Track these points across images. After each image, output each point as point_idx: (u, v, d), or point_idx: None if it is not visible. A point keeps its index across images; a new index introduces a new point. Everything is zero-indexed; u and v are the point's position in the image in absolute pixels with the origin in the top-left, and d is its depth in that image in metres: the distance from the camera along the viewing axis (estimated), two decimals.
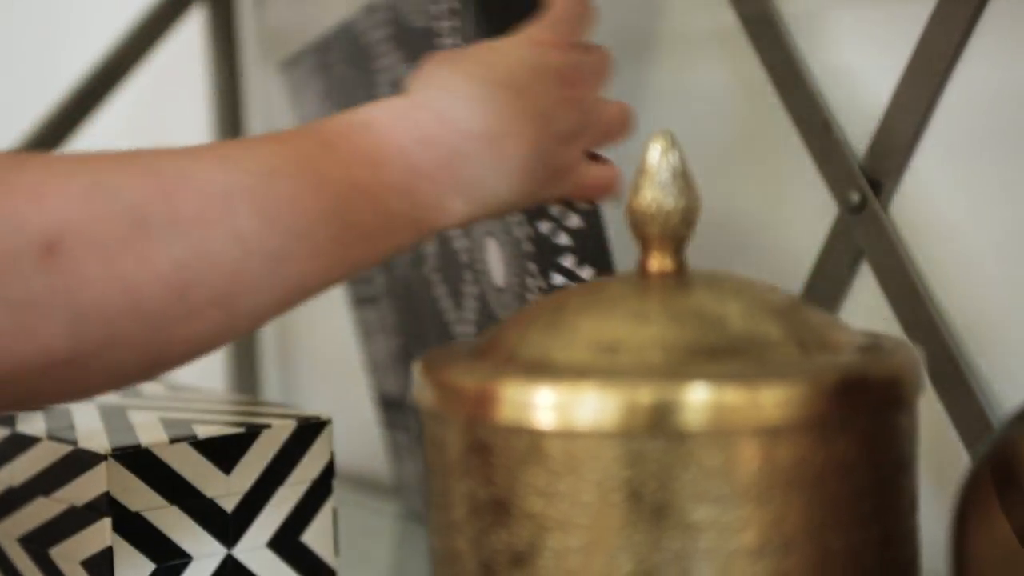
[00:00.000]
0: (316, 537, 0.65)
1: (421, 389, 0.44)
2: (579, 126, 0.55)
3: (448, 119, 0.51)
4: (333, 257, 0.47)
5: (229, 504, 0.63)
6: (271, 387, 1.12)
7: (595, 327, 0.42)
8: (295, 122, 0.88)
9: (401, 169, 0.49)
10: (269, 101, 1.14)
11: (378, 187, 0.48)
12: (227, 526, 0.63)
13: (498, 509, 0.41)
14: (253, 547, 0.64)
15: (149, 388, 0.74)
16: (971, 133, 0.68)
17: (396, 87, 0.70)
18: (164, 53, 1.13)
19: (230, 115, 1.13)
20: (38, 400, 0.47)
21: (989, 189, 0.67)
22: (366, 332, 0.85)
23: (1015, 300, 0.66)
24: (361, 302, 0.84)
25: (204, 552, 0.62)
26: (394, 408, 0.83)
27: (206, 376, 1.10)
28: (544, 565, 0.40)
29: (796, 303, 0.44)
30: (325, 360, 1.06)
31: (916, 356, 0.42)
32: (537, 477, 0.40)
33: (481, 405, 0.41)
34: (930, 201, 0.69)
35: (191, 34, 1.15)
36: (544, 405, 0.40)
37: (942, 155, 0.68)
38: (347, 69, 0.76)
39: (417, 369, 0.44)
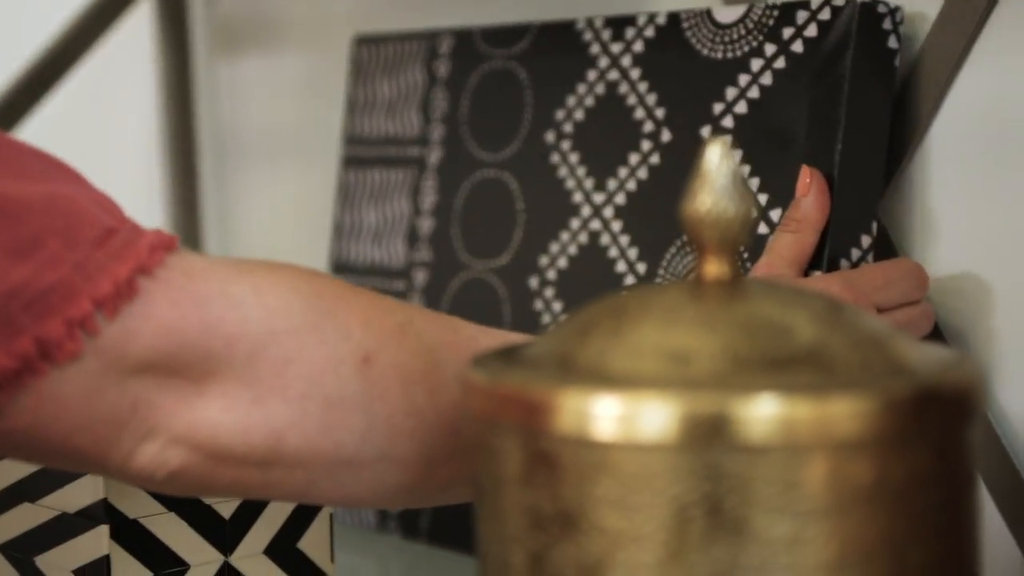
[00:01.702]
0: (312, 544, 0.64)
1: (474, 395, 0.43)
2: None
3: None
4: None
5: (227, 510, 0.61)
6: None
7: (659, 335, 0.41)
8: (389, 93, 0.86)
9: None
10: (218, 91, 1.11)
11: None
12: (225, 533, 0.61)
13: (564, 522, 0.40)
14: (250, 554, 0.62)
15: None
16: (970, 141, 0.68)
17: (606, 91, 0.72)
18: (112, 41, 1.10)
19: (178, 104, 1.10)
20: (314, 495, 0.51)
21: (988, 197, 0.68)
22: None
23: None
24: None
25: (202, 560, 0.60)
26: None
27: None
28: None
29: (854, 312, 0.43)
30: None
31: (982, 368, 0.41)
32: (608, 490, 0.39)
33: (544, 415, 0.40)
34: (926, 206, 0.69)
35: (140, 21, 1.12)
36: (616, 416, 0.39)
37: (941, 163, 0.69)
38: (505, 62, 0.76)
39: (470, 374, 0.43)
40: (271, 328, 0.47)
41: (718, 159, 0.43)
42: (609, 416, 0.39)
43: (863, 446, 0.39)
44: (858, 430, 0.39)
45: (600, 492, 0.39)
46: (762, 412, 0.39)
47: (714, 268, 0.43)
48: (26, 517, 0.61)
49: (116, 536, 0.58)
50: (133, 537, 0.58)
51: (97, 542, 0.58)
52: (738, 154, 0.69)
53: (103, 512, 0.58)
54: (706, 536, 0.38)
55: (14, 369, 0.44)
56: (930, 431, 0.40)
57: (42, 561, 0.60)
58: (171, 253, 0.47)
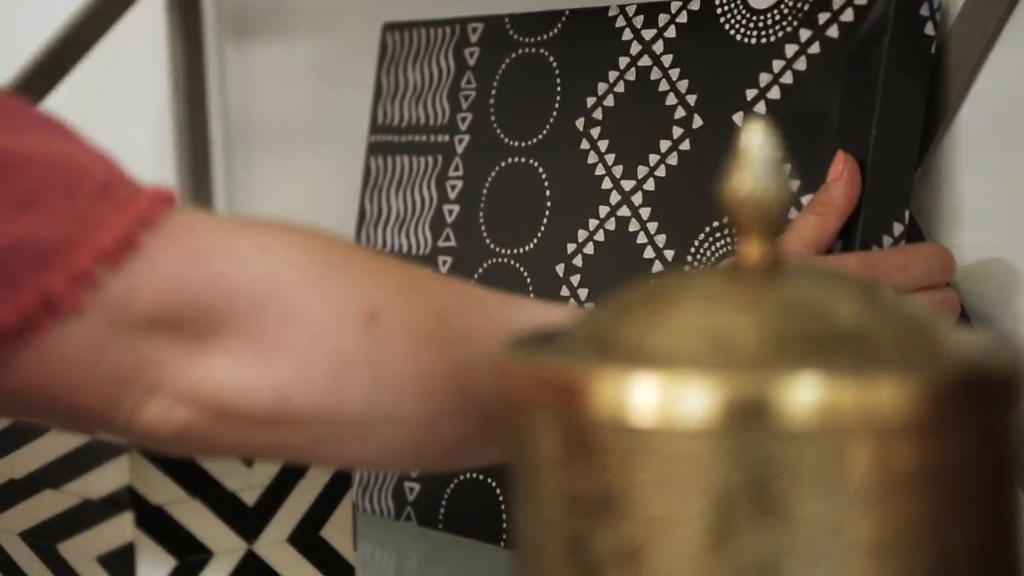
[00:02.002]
0: (335, 532, 0.63)
1: (510, 378, 0.42)
2: None
3: None
4: None
5: (251, 498, 0.61)
6: None
7: (699, 317, 0.41)
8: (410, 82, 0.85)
9: None
10: (230, 78, 1.10)
11: None
12: (248, 520, 0.60)
13: (602, 509, 0.39)
14: (274, 542, 0.61)
15: None
16: (998, 125, 0.67)
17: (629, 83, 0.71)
18: (124, 27, 1.09)
19: (190, 91, 1.10)
20: (319, 455, 0.50)
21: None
22: None
23: None
24: None
25: (225, 547, 0.60)
26: None
27: None
28: (656, 567, 0.38)
29: (897, 295, 0.43)
30: None
31: None
32: (648, 474, 0.39)
33: (582, 397, 0.40)
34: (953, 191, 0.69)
35: (152, 7, 1.11)
36: (656, 398, 0.38)
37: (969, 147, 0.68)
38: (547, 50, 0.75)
39: (505, 358, 0.43)
40: (275, 284, 0.47)
41: (760, 140, 0.43)
42: (649, 399, 0.39)
43: (907, 430, 0.38)
44: (902, 414, 0.38)
45: (640, 477, 0.39)
46: (805, 395, 0.38)
47: (755, 250, 0.43)
48: (49, 504, 0.60)
49: (141, 523, 0.57)
50: (157, 524, 0.58)
51: (121, 529, 0.57)
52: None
53: (128, 498, 0.57)
54: (748, 521, 0.38)
55: (16, 324, 0.44)
56: (974, 415, 0.39)
57: (65, 548, 0.60)
58: (172, 208, 0.46)
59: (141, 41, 1.14)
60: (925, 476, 0.38)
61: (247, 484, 0.60)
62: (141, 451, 0.57)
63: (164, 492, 0.58)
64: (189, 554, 0.58)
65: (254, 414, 0.47)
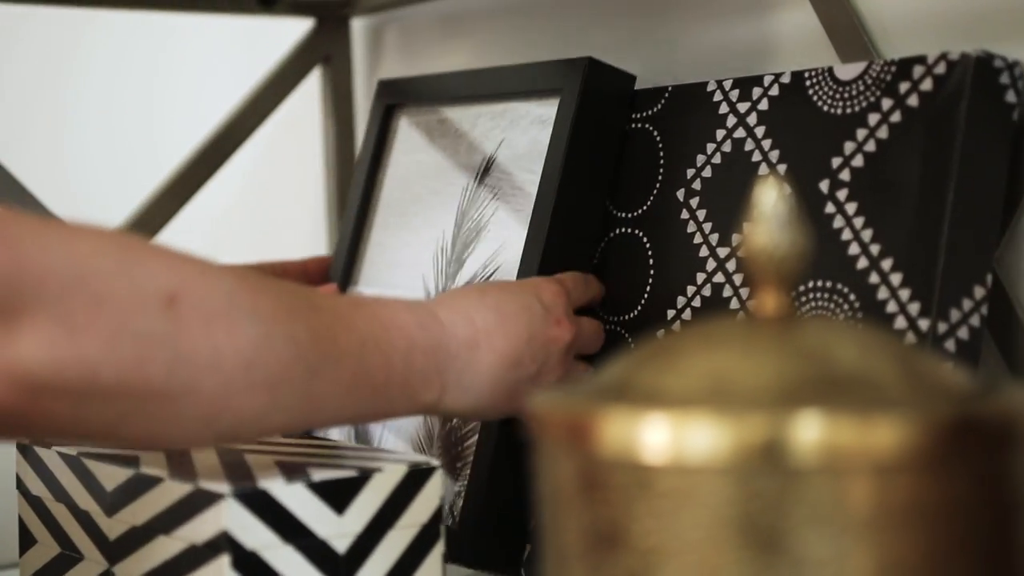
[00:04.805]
0: None
1: (534, 421, 0.45)
2: (543, 365, 0.70)
3: (442, 320, 0.66)
4: (349, 390, 0.61)
5: (342, 545, 0.64)
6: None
7: (707, 364, 0.43)
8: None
9: (404, 338, 0.64)
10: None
11: (387, 346, 0.63)
12: (339, 567, 0.64)
13: (608, 542, 0.42)
14: None
15: None
16: None
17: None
18: (282, 113, 1.16)
19: (342, 171, 1.16)
20: (124, 431, 0.56)
21: None
22: None
23: None
24: None
25: None
26: None
27: None
28: None
29: (906, 347, 0.44)
30: None
31: None
32: (647, 510, 0.41)
33: (589, 437, 0.42)
34: None
35: (308, 96, 1.18)
36: (653, 438, 0.41)
37: None
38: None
39: (532, 403, 0.45)
40: (81, 270, 0.52)
41: (773, 197, 0.45)
42: (653, 438, 0.41)
43: (904, 468, 0.39)
44: (900, 452, 0.39)
45: (643, 512, 0.41)
46: (805, 434, 0.40)
47: (768, 302, 0.45)
48: (162, 549, 0.65)
49: (236, 566, 0.61)
50: (252, 568, 0.62)
51: (218, 573, 0.61)
52: (853, 206, 0.70)
53: (225, 543, 0.61)
54: (747, 557, 0.39)
55: None
56: (972, 456, 0.40)
57: None
58: None
59: (299, 127, 1.21)
60: (921, 515, 0.40)
61: (338, 532, 0.64)
62: (238, 499, 0.61)
63: (258, 537, 0.62)
64: None
65: (64, 389, 0.52)
